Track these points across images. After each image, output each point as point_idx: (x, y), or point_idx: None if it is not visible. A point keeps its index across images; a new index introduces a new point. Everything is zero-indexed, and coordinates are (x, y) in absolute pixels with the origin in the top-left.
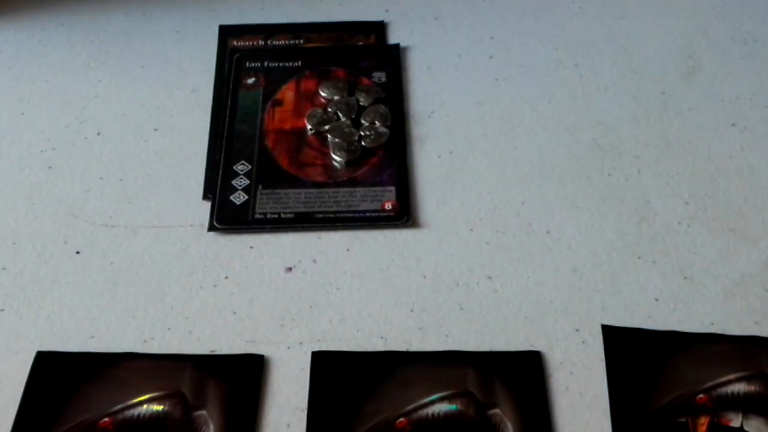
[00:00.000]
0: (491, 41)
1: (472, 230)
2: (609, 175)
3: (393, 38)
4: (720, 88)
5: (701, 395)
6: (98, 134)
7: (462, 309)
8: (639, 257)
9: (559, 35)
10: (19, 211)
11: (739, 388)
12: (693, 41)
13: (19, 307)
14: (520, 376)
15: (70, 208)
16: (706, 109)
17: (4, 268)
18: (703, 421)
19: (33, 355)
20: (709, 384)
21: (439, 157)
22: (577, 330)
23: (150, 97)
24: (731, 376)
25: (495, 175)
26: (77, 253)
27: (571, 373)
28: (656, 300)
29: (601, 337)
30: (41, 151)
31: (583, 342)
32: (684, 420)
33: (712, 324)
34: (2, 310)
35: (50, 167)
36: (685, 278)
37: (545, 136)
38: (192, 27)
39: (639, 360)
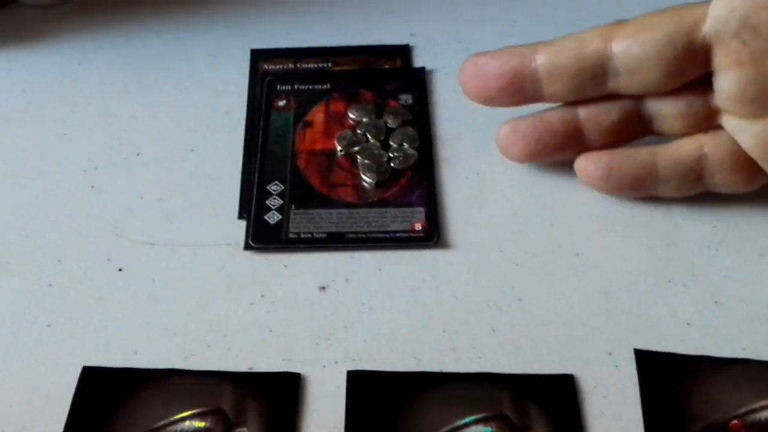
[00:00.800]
0: None
1: (501, 251)
2: (637, 199)
3: (418, 62)
4: None
5: (735, 421)
6: (137, 155)
7: (494, 331)
8: (669, 281)
9: None
10: (63, 229)
11: None
12: None
13: (65, 322)
14: (554, 400)
15: (112, 227)
16: None
17: (50, 285)
18: None
19: (79, 370)
20: (743, 410)
21: (467, 178)
22: (610, 354)
23: (186, 119)
24: (764, 402)
25: (522, 196)
26: (120, 270)
27: (605, 397)
28: (688, 324)
29: (633, 361)
30: (84, 171)
31: (616, 366)
32: None
33: (743, 349)
34: (49, 325)
35: (92, 186)
36: (716, 303)
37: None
38: (224, 51)
39: (673, 385)
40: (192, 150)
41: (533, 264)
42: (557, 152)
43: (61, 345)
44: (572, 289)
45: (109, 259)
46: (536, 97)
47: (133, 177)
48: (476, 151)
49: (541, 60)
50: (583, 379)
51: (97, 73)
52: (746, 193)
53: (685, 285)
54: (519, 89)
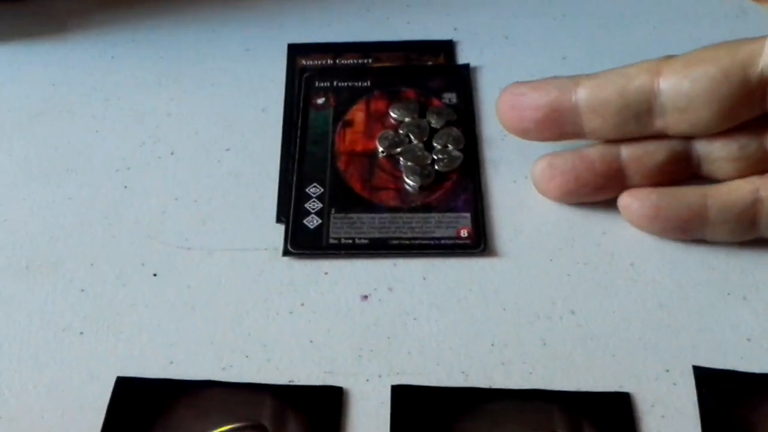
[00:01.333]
0: (564, 61)
1: (551, 260)
2: None
3: (462, 58)
4: None
5: None
6: (171, 153)
7: (545, 344)
8: (728, 293)
9: (635, 56)
10: (96, 231)
11: None
12: None
13: (98, 330)
14: (609, 419)
15: (146, 229)
16: None
17: (82, 290)
18: None
19: (113, 380)
20: None
21: (515, 182)
22: (667, 370)
23: (221, 116)
24: None
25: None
26: (154, 275)
27: (663, 416)
28: (748, 340)
29: (692, 378)
30: (116, 170)
31: (674, 383)
32: None
33: None
34: (82, 333)
35: (126, 187)
36: None
37: None
38: (261, 45)
39: (734, 404)
40: (228, 149)
41: (585, 274)
42: (596, 192)
43: (95, 354)
44: (627, 301)
45: (143, 264)
46: (576, 132)
47: (167, 177)
48: (524, 154)
49: (582, 94)
50: (640, 397)
51: (130, 67)
52: None
53: (745, 298)
54: (557, 123)
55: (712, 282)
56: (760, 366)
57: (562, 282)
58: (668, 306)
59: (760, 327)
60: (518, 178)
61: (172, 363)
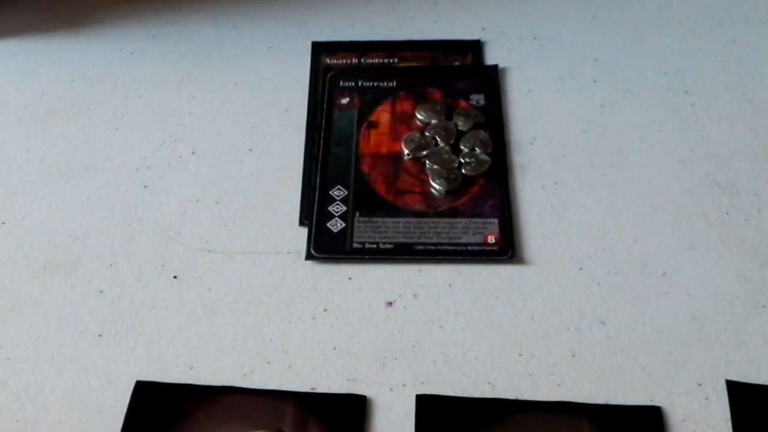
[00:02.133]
0: (594, 63)
1: (581, 269)
2: (727, 213)
3: (490, 58)
4: None
5: None
6: (193, 153)
7: (574, 356)
8: (764, 306)
9: (667, 58)
10: (115, 232)
11: None
12: None
13: (117, 332)
14: None
15: (166, 230)
16: None
17: (101, 291)
18: None
19: (132, 383)
20: None
21: (543, 187)
22: (700, 385)
23: (244, 116)
24: None
25: (603, 209)
26: (174, 277)
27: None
28: None
29: (725, 393)
30: (136, 169)
31: (707, 398)
32: None
33: None
34: (101, 335)
35: (146, 186)
36: None
37: (656, 169)
38: (284, 43)
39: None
40: (250, 149)
41: (616, 284)
42: None
43: (113, 357)
44: (658, 313)
45: (163, 266)
46: None
47: (188, 177)
48: (553, 159)
49: None
50: (671, 411)
51: (150, 63)
52: None
53: None
54: None
55: (747, 294)
56: None
57: (591, 291)
58: (701, 318)
59: None
60: (547, 184)
61: (192, 368)
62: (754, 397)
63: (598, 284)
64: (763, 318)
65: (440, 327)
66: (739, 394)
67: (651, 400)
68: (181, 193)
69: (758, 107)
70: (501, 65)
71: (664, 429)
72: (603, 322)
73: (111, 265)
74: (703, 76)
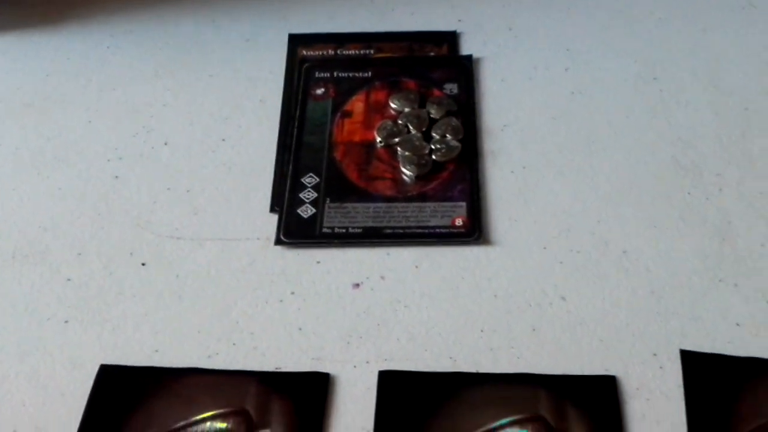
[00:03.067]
0: (567, 53)
1: (545, 249)
2: (689, 194)
3: (465, 49)
4: None
5: None
6: (165, 144)
7: (534, 330)
8: (720, 280)
9: (638, 48)
10: (84, 221)
11: None
12: None
13: (83, 319)
14: (595, 402)
15: (136, 219)
16: None
17: (69, 279)
18: None
19: (96, 368)
20: None
21: (512, 172)
22: (655, 355)
23: (218, 107)
24: None
25: (570, 192)
26: (143, 265)
27: (648, 399)
28: (738, 325)
29: (679, 362)
30: (108, 160)
31: (661, 367)
32: None
33: None
34: (67, 321)
35: (117, 177)
36: None
37: (623, 153)
38: (261, 36)
39: (719, 387)
40: (223, 139)
41: (578, 262)
42: None
43: (79, 342)
44: (618, 288)
45: (131, 254)
46: None
47: (159, 167)
48: (523, 145)
49: None
50: (626, 380)
51: (126, 57)
52: None
53: (736, 285)
54: None
55: (705, 269)
56: (747, 350)
57: (554, 270)
58: (659, 292)
59: (750, 312)
60: (516, 169)
61: (157, 351)
62: (706, 365)
63: (561, 262)
64: (720, 291)
65: (405, 307)
66: (692, 362)
67: (606, 370)
68: (152, 183)
69: (725, 92)
70: (476, 55)
71: (618, 397)
72: (564, 298)
73: (79, 254)
74: (672, 64)
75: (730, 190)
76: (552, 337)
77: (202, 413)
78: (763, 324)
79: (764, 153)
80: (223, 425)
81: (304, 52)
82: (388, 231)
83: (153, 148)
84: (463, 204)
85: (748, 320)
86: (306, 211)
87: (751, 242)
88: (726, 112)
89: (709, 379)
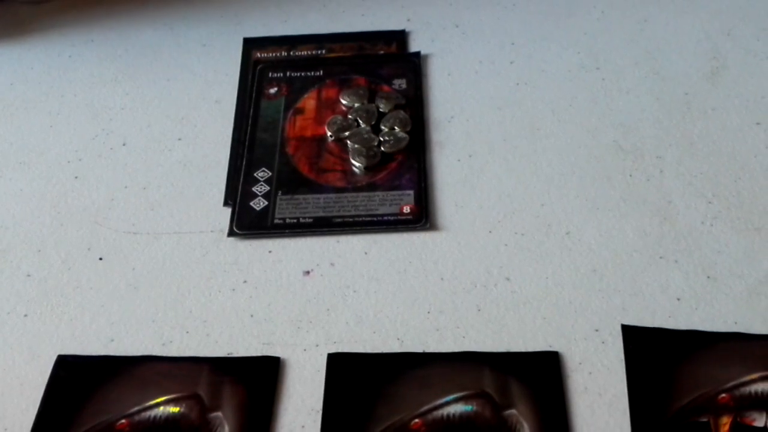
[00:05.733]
0: (512, 47)
1: (490, 232)
2: (630, 176)
3: (414, 47)
4: (744, 88)
5: (723, 395)
6: (123, 145)
7: (479, 310)
8: (661, 257)
9: (581, 39)
10: (44, 220)
11: (763, 387)
12: (717, 42)
13: (42, 312)
14: (538, 377)
15: (94, 217)
16: (730, 109)
17: (28, 275)
18: (726, 421)
19: (54, 358)
20: (732, 383)
21: (459, 161)
22: (597, 330)
23: (175, 109)
24: (754, 375)
25: (514, 177)
26: (100, 259)
27: (590, 373)
28: (678, 299)
29: (621, 337)
30: (68, 162)
31: (603, 342)
32: (706, 420)
33: (735, 323)
34: (26, 315)
35: (76, 177)
36: (708, 278)
37: (566, 139)
38: (217, 40)
39: (659, 360)
40: (179, 139)
41: (523, 244)
42: None
43: (37, 334)
44: (561, 268)
45: (89, 249)
46: None
47: (117, 167)
48: (469, 134)
49: None
50: (569, 356)
51: (87, 65)
52: (743, 168)
53: (676, 261)
54: None
55: (645, 247)
56: (687, 324)
57: (499, 252)
58: (601, 271)
59: (690, 288)
60: (462, 157)
61: (113, 341)
62: (646, 339)
63: (506, 245)
64: (660, 267)
65: (354, 291)
66: (633, 336)
67: (550, 346)
68: (111, 182)
69: (665, 78)
70: (424, 52)
71: (561, 371)
72: (508, 279)
73: (39, 251)
74: (614, 53)
75: (671, 172)
76: (496, 316)
77: (156, 398)
78: (703, 298)
79: (703, 135)
80: (176, 409)
81: (258, 55)
82: (338, 220)
83: (111, 149)
84: (411, 192)
85: (689, 294)
86: (258, 204)
87: (691, 220)
88: (666, 97)
89: (649, 352)
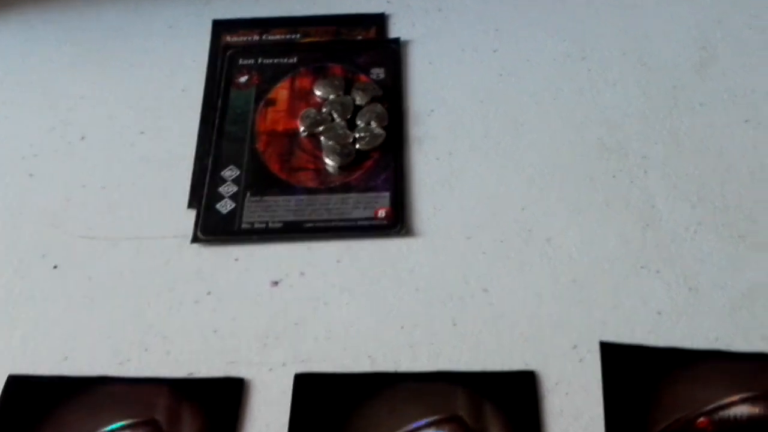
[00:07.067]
0: (496, 33)
1: (469, 238)
2: (614, 176)
3: (394, 31)
4: (734, 82)
5: (702, 418)
6: (82, 138)
7: (455, 325)
8: (642, 267)
9: (567, 26)
10: None
11: (743, 410)
12: (707, 31)
13: None
14: (513, 399)
15: (50, 219)
16: (719, 105)
17: None
18: None
19: (4, 378)
20: (711, 406)
21: (438, 159)
22: (575, 347)
23: (138, 98)
24: (735, 398)
25: (495, 178)
26: (54, 267)
27: (567, 394)
28: (659, 313)
29: (599, 354)
30: (22, 158)
31: (581, 360)
32: None
33: (716, 339)
34: None
35: (31, 175)
36: (690, 289)
37: (549, 135)
38: (185, 22)
39: (638, 379)
40: (142, 132)
41: (502, 251)
42: None
43: None
44: (540, 278)
45: (43, 256)
46: None
47: (75, 163)
48: (450, 130)
49: None
50: (545, 375)
51: (44, 49)
52: (730, 169)
53: (658, 271)
54: None
55: (627, 256)
56: (667, 339)
57: (477, 260)
58: (582, 281)
59: (672, 300)
60: (442, 155)
61: (66, 359)
62: (626, 357)
63: (484, 253)
64: (641, 278)
65: (325, 304)
66: (612, 354)
67: (526, 365)
68: (68, 180)
69: (653, 69)
70: (404, 38)
71: (536, 392)
72: (486, 290)
73: None
74: (600, 42)
75: (655, 173)
76: (473, 332)
77: (111, 424)
78: (685, 311)
79: (690, 132)
80: None
81: (228, 39)
82: (310, 225)
83: (69, 143)
84: (387, 194)
85: (670, 308)
86: (225, 206)
87: (675, 226)
88: (653, 90)
89: (628, 371)
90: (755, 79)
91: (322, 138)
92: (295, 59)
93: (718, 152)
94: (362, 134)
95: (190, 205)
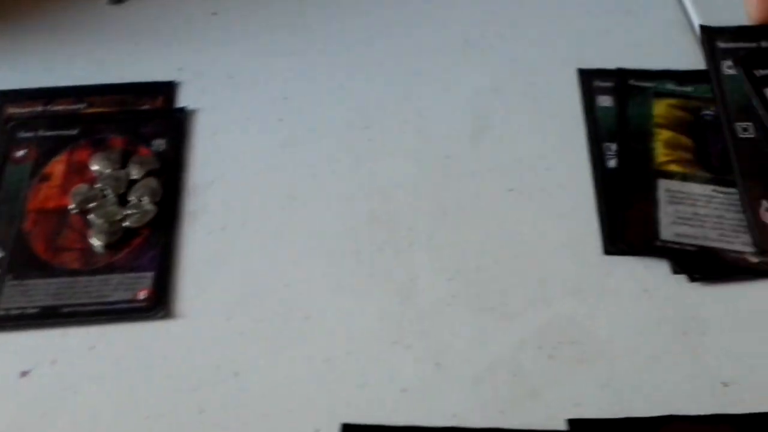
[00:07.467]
0: (284, 102)
1: (228, 320)
2: (380, 249)
3: (184, 100)
4: (503, 150)
5: None
6: None
7: (201, 413)
8: (394, 342)
9: (354, 94)
10: None
11: None
12: (485, 98)
13: None
14: None
15: None
16: (487, 174)
17: None
18: None
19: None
20: None
21: (210, 234)
22: (317, 431)
23: None
24: None
25: (262, 254)
26: None
27: None
28: (404, 391)
29: None
30: None
31: None
32: None
33: (454, 416)
34: None
35: None
36: (437, 365)
37: (322, 208)
38: None
39: None
40: None
41: (260, 332)
42: None
43: None
44: (294, 358)
45: None
46: None
47: None
48: (226, 203)
49: None
50: None
51: None
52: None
53: (410, 346)
54: None
55: (382, 331)
56: (409, 418)
57: (234, 342)
58: (334, 360)
59: (418, 376)
60: (214, 230)
61: None
62: None
63: (241, 334)
64: (392, 354)
65: (75, 393)
66: None
67: None
68: None
69: (429, 138)
70: (193, 106)
71: None
72: (237, 374)
73: None
74: (385, 110)
75: (420, 245)
76: (218, 421)
77: None
78: (429, 388)
79: (457, 202)
80: None
81: (11, 110)
82: (68, 310)
83: None
84: (150, 274)
85: (415, 385)
86: None
87: (432, 299)
88: (428, 160)
89: None
90: (522, 148)
91: (90, 216)
92: (76, 131)
93: (479, 222)
94: (132, 211)
95: None
